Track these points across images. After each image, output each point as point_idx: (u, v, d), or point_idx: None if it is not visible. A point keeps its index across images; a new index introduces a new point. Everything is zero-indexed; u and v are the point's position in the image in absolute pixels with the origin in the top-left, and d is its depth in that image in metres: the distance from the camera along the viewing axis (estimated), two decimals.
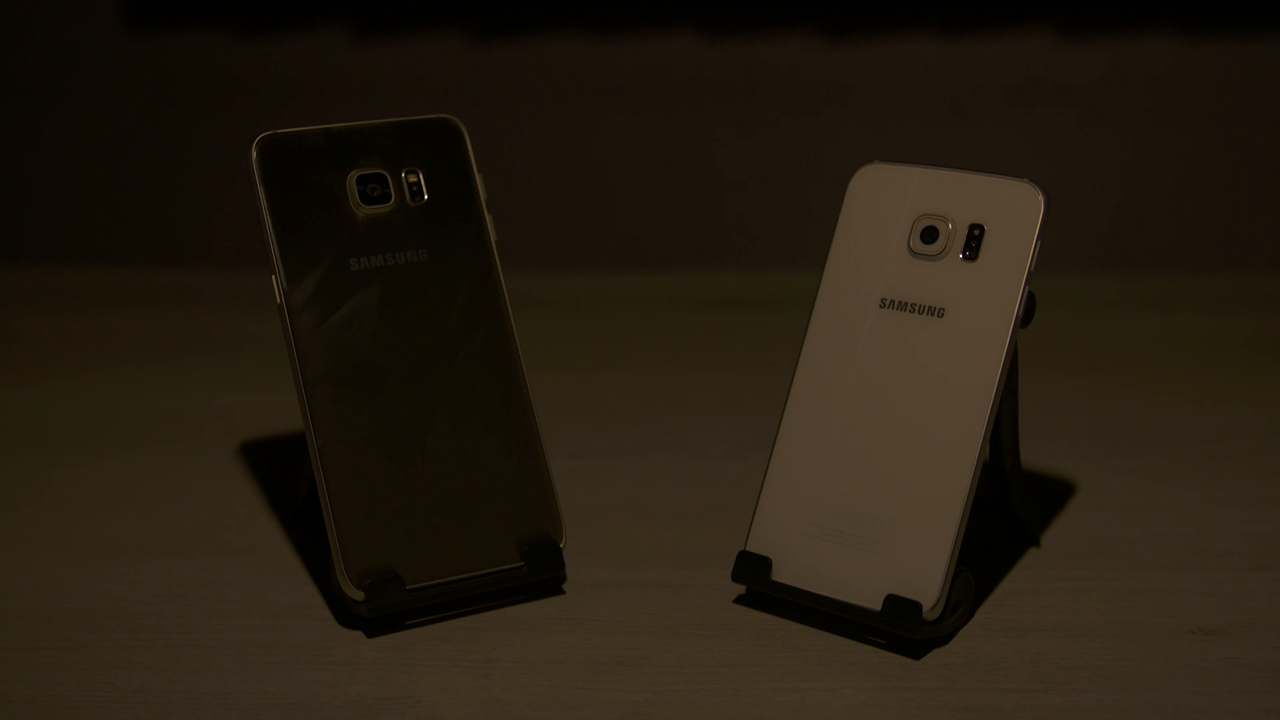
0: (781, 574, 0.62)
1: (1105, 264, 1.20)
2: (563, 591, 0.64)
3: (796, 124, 1.20)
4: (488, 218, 0.65)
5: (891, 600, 0.59)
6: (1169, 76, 1.18)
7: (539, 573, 0.63)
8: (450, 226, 0.65)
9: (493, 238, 0.65)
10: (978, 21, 1.17)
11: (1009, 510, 0.67)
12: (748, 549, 0.63)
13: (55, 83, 1.24)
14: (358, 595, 0.60)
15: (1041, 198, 0.60)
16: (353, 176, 0.63)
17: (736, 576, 0.63)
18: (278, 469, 0.77)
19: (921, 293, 0.62)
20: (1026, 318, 0.60)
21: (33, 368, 0.94)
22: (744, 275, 1.10)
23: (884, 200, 0.63)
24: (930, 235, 0.62)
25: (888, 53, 1.18)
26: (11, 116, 1.25)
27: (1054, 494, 0.73)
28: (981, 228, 0.61)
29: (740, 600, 0.63)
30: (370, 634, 0.61)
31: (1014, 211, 0.60)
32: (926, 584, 0.59)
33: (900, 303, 0.62)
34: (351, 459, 0.61)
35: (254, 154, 0.62)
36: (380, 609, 0.60)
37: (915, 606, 0.58)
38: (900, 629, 0.59)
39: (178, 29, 1.22)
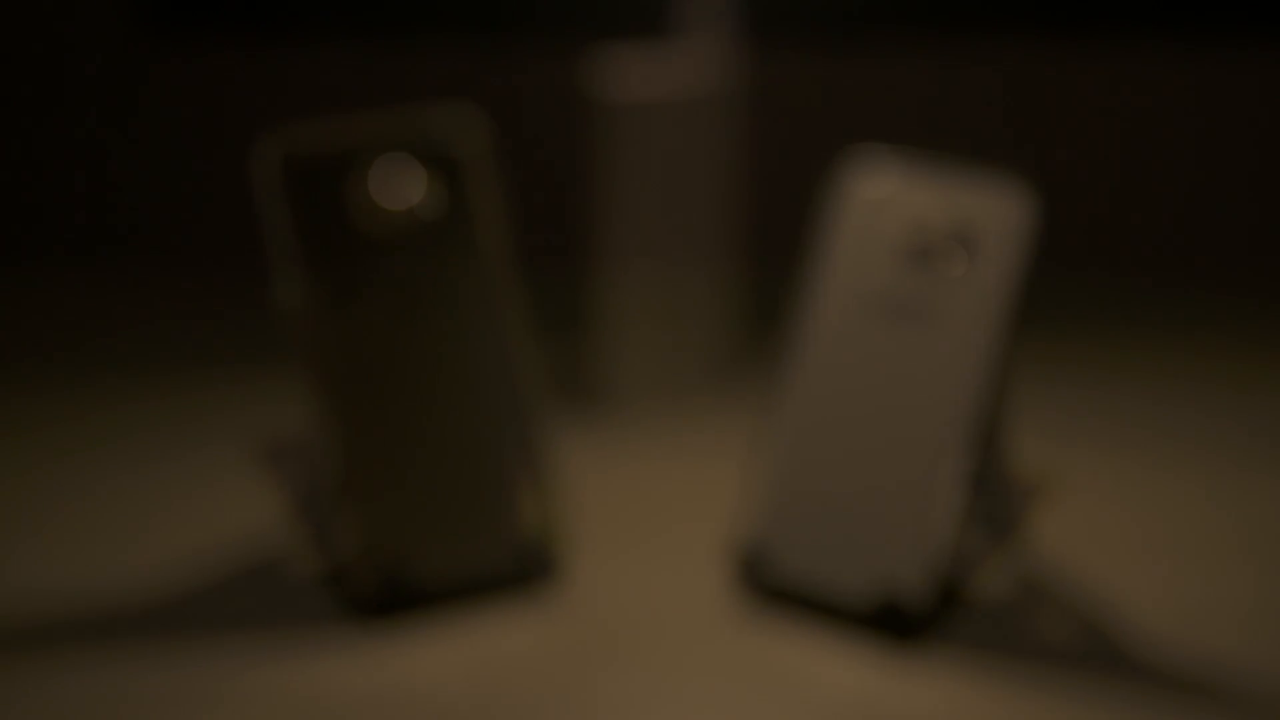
0: (778, 571, 0.63)
1: (1098, 265, 1.21)
2: (562, 587, 0.65)
3: (793, 129, 1.21)
4: (498, 223, 0.66)
5: (885, 595, 0.60)
6: (1164, 82, 1.18)
7: (539, 569, 0.64)
8: (460, 232, 0.65)
9: (502, 242, 0.66)
10: (974, 30, 1.18)
11: (1001, 507, 0.68)
12: (745, 546, 0.64)
13: (65, 90, 1.25)
14: (363, 591, 0.61)
15: (1031, 202, 0.61)
16: (365, 181, 0.64)
17: (734, 573, 0.64)
18: (286, 468, 0.77)
19: (913, 295, 0.62)
20: (1016, 318, 0.61)
21: (41, 367, 0.94)
22: (743, 276, 1.10)
23: (876, 205, 0.64)
24: (922, 239, 0.63)
25: (884, 59, 1.19)
26: (23, 121, 1.26)
27: (1045, 490, 0.74)
28: (973, 232, 0.62)
29: (738, 596, 0.64)
30: (374, 627, 0.62)
31: (1004, 216, 0.61)
32: (919, 579, 0.60)
33: (893, 305, 0.63)
34: (360, 458, 0.62)
35: (266, 160, 0.63)
36: (385, 603, 0.61)
37: (909, 601, 0.59)
38: (894, 623, 0.60)
39: (186, 38, 1.23)
